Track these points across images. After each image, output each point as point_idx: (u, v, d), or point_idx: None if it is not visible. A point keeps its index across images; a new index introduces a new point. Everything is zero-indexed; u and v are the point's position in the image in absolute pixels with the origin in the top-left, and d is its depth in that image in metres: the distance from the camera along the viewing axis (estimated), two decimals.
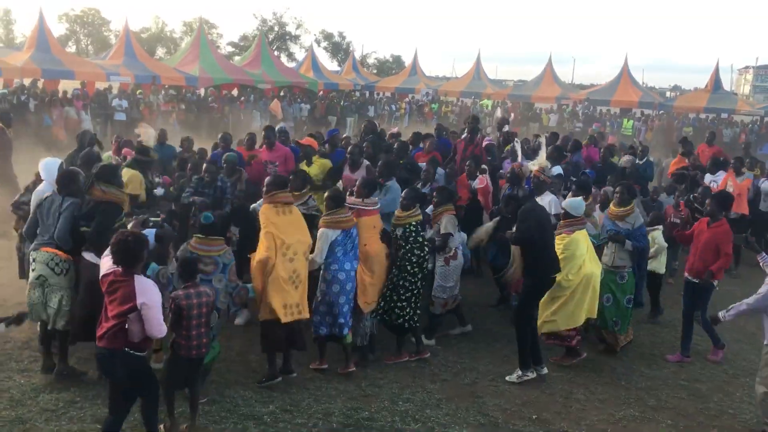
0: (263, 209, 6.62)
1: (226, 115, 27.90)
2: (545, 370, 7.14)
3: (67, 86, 25.42)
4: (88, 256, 6.14)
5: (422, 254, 7.23)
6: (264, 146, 10.46)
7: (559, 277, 7.13)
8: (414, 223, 7.25)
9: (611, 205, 8.13)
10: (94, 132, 12.14)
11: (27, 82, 24.62)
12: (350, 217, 6.90)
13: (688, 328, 7.93)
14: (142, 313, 4.79)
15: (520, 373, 7.05)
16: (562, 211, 7.54)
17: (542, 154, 10.09)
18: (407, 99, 39.70)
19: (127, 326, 4.79)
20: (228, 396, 6.36)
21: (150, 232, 6.83)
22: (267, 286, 6.31)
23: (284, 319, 6.37)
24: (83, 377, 6.40)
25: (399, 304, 7.19)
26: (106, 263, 5.02)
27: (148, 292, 4.84)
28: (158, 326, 4.87)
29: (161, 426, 5.48)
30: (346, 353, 6.98)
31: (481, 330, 8.22)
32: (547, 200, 8.36)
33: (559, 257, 7.14)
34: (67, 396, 6.11)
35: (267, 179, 6.88)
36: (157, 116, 24.82)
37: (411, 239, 7.18)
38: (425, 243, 7.30)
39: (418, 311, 7.36)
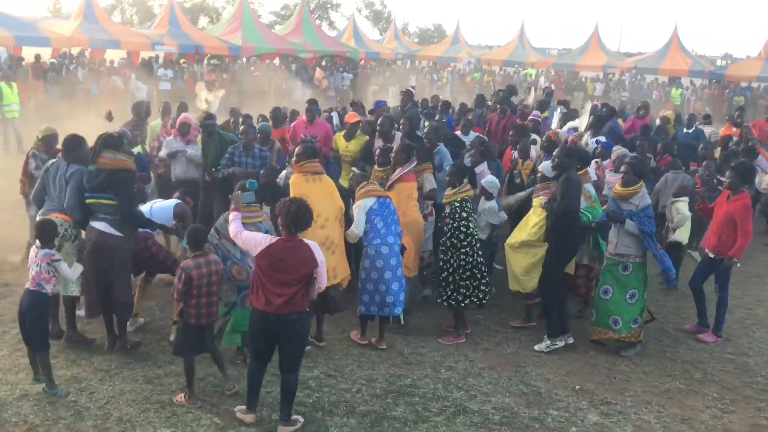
0: (293, 179, 6.61)
1: (268, 84, 28.00)
2: (571, 339, 7.12)
3: (113, 56, 25.79)
4: (100, 225, 6.14)
5: (469, 230, 7.07)
6: (305, 118, 9.97)
7: (535, 237, 7.23)
8: (459, 199, 7.12)
9: (615, 185, 7.19)
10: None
11: (75, 51, 25.06)
12: (382, 189, 6.90)
13: (699, 298, 7.73)
14: (319, 271, 5.11)
15: (548, 342, 7.05)
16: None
17: (580, 121, 9.95)
18: (449, 68, 39.29)
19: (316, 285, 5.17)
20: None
21: (167, 209, 7.11)
22: None
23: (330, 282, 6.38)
24: (92, 343, 6.55)
25: (462, 283, 7.07)
26: (259, 236, 5.20)
27: (319, 251, 5.15)
28: (326, 280, 5.28)
29: (181, 395, 5.62)
30: (381, 328, 6.95)
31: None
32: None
33: (540, 218, 7.20)
34: (119, 357, 6.32)
35: (297, 149, 6.82)
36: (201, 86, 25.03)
37: (458, 216, 7.06)
38: (471, 217, 7.16)
39: (483, 287, 7.17)
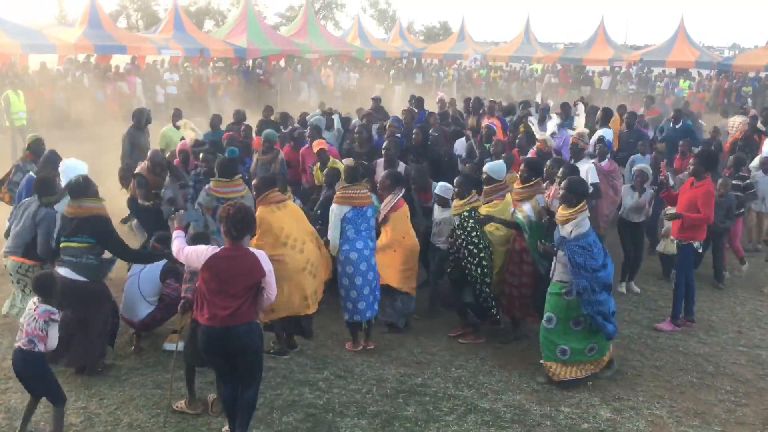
0: (258, 213, 6.18)
1: (274, 86, 28.02)
2: None
3: (119, 61, 25.86)
4: (63, 271, 5.82)
5: (479, 239, 6.81)
6: (309, 143, 9.48)
7: (502, 244, 6.97)
8: (468, 209, 6.91)
9: (559, 208, 6.25)
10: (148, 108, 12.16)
11: (81, 58, 25.13)
12: (366, 194, 6.74)
13: (687, 291, 7.65)
14: (267, 280, 4.89)
15: None
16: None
17: (579, 120, 9.83)
18: (455, 65, 39.19)
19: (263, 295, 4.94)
20: (283, 362, 6.49)
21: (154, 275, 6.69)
22: (284, 285, 6.04)
23: (310, 310, 6.44)
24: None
25: (489, 292, 6.91)
26: (200, 248, 4.90)
27: (267, 260, 4.93)
28: (275, 290, 5.02)
29: (181, 402, 5.58)
30: (366, 330, 6.89)
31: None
32: (585, 167, 8.22)
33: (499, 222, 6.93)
34: (129, 363, 6.33)
35: (254, 182, 6.54)
36: (207, 89, 25.11)
37: (465, 224, 6.86)
38: (478, 226, 6.86)
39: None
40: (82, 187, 6.00)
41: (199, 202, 6.30)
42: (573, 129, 10.30)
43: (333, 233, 6.59)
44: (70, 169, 6.67)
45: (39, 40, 23.37)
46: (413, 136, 9.51)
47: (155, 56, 27.36)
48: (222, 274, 4.77)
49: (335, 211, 6.61)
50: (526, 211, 6.74)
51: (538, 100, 17.69)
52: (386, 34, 52.68)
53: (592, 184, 7.87)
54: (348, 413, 5.61)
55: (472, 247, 6.82)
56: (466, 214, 6.90)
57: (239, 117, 11.19)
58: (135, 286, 6.60)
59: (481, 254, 6.81)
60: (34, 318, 4.97)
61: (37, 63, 22.10)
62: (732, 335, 7.42)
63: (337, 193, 6.72)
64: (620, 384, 6.28)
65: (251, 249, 4.93)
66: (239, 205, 4.91)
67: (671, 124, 12.29)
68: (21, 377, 5.08)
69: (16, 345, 5.05)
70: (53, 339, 4.99)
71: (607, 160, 8.95)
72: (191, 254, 4.94)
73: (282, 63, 32.36)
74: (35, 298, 5.06)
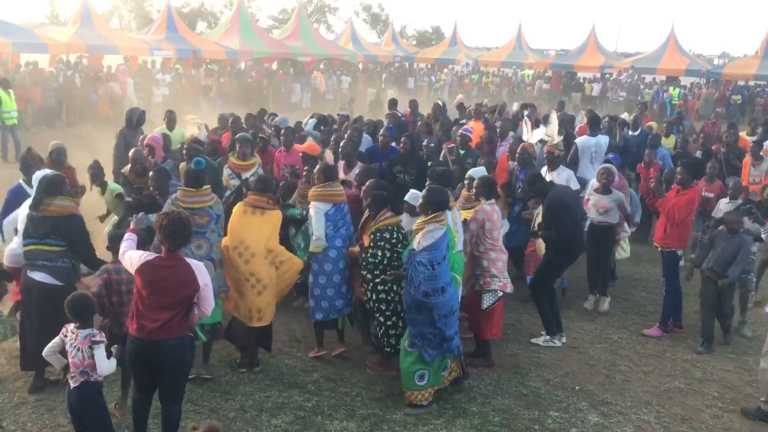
0: (236, 207, 6.29)
1: (266, 89, 28.02)
2: (564, 339, 7.23)
3: (111, 61, 25.80)
4: (38, 276, 5.59)
5: (374, 265, 6.19)
6: (282, 148, 9.45)
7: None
8: (374, 229, 6.28)
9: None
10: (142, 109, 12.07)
11: (72, 57, 25.05)
12: (341, 191, 6.61)
13: (676, 298, 7.70)
14: (201, 295, 4.62)
15: (547, 337, 7.17)
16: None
17: (551, 128, 9.74)
18: (446, 69, 39.33)
19: (194, 310, 4.67)
20: (273, 365, 6.49)
21: None
22: (234, 288, 6.20)
23: (260, 323, 6.25)
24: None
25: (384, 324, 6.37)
26: (136, 254, 4.67)
27: (204, 272, 4.66)
28: (212, 304, 4.75)
29: (112, 405, 5.37)
30: (339, 334, 6.73)
31: (526, 302, 8.13)
32: (564, 176, 8.24)
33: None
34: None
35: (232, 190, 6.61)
36: (199, 90, 25.08)
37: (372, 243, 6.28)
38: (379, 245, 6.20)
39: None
40: (58, 184, 5.78)
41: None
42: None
43: (319, 231, 6.35)
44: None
45: (30, 39, 23.32)
46: (401, 145, 9.18)
47: (147, 57, 27.33)
48: (154, 284, 4.53)
49: (317, 207, 6.43)
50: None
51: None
52: (379, 38, 52.85)
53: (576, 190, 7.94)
54: (337, 416, 5.61)
55: (365, 272, 6.26)
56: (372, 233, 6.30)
57: (233, 122, 10.98)
58: None
59: (376, 280, 6.16)
60: (78, 347, 4.48)
61: (29, 62, 22.00)
62: (720, 342, 7.45)
63: (317, 191, 6.52)
64: (608, 389, 6.32)
65: (189, 260, 4.67)
66: (174, 215, 4.64)
67: (629, 131, 12.03)
68: (75, 416, 4.61)
69: (70, 384, 4.55)
70: (103, 362, 4.49)
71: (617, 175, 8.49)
72: (127, 260, 4.69)
73: (274, 66, 32.37)
74: (71, 327, 4.58)
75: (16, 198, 6.85)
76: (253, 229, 6.19)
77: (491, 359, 6.67)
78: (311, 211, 6.45)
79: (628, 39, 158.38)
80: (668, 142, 12.52)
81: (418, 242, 5.65)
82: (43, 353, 4.64)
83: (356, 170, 8.34)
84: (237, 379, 6.16)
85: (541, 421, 5.70)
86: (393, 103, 13.52)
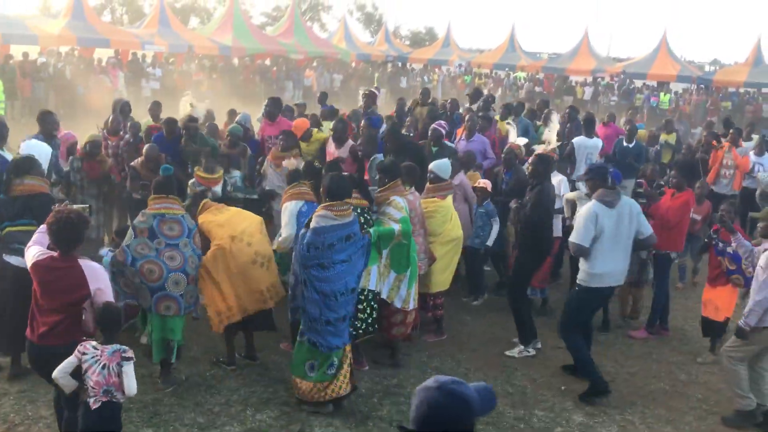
0: (202, 220, 6.13)
1: (258, 85, 27.95)
2: (539, 345, 7.09)
3: (102, 54, 25.68)
4: (15, 260, 5.50)
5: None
6: (264, 118, 9.69)
7: (436, 242, 6.95)
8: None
9: None
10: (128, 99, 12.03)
11: (63, 50, 24.90)
12: (309, 191, 6.63)
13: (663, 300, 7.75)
14: (95, 300, 4.32)
15: (521, 347, 7.00)
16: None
17: (550, 131, 9.64)
18: (438, 69, 39.37)
19: (83, 317, 4.34)
20: (258, 360, 6.46)
21: None
22: (229, 281, 5.94)
23: (267, 305, 6.20)
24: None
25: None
26: (32, 251, 4.42)
27: (100, 276, 4.39)
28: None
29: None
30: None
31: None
32: (557, 180, 8.20)
33: (434, 220, 6.94)
34: None
35: (192, 195, 6.55)
36: (190, 85, 24.97)
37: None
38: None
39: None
40: (27, 165, 5.78)
41: (134, 224, 5.88)
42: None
43: (289, 229, 6.31)
44: (31, 148, 6.50)
45: (21, 30, 23.16)
46: (347, 123, 9.30)
47: (139, 51, 27.20)
48: (43, 286, 4.28)
49: (290, 207, 6.42)
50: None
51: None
52: (372, 37, 52.82)
53: (561, 197, 7.90)
54: (322, 412, 5.59)
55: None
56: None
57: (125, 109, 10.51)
58: None
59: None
60: (104, 365, 4.12)
61: (19, 53, 21.84)
62: (705, 344, 7.49)
63: (287, 192, 6.58)
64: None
65: (84, 262, 4.35)
66: (62, 215, 4.33)
67: (624, 143, 11.69)
68: None
69: (90, 403, 4.14)
70: (132, 380, 4.18)
71: None
72: (27, 254, 4.43)
73: (267, 62, 32.29)
74: (90, 344, 4.21)
75: None
76: (236, 217, 6.25)
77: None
78: (282, 211, 6.49)
79: (621, 44, 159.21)
80: (669, 138, 13.15)
81: (310, 219, 5.49)
82: (54, 375, 4.15)
83: (348, 146, 8.66)
84: (222, 374, 6.13)
85: (527, 419, 5.71)
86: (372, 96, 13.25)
